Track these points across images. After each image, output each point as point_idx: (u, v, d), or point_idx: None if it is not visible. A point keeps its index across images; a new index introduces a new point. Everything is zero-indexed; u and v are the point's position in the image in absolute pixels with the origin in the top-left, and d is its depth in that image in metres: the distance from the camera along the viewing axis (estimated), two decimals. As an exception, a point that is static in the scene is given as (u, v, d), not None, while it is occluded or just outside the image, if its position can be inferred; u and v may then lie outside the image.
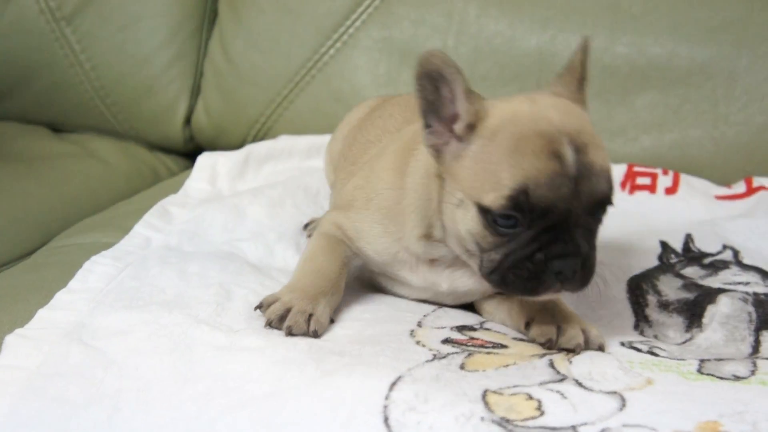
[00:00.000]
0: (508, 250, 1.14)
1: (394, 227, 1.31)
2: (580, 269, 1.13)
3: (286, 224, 1.65)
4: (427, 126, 1.18)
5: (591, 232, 1.15)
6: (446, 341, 1.20)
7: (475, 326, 1.28)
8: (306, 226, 1.66)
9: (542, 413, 0.99)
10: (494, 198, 1.11)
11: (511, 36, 2.03)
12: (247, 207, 1.68)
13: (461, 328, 1.26)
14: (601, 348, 1.20)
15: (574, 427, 0.96)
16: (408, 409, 0.99)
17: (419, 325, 1.27)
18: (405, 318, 1.29)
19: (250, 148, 2.01)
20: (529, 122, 1.13)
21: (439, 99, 1.16)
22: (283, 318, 1.20)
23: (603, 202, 1.14)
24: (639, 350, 1.22)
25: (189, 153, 2.33)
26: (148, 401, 1.01)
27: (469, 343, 1.19)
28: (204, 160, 1.96)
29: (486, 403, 1.00)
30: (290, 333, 1.18)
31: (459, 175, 1.17)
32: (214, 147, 2.21)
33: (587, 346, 1.20)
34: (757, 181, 1.81)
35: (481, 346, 1.19)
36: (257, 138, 2.22)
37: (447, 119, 1.17)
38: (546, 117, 1.14)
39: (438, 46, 2.07)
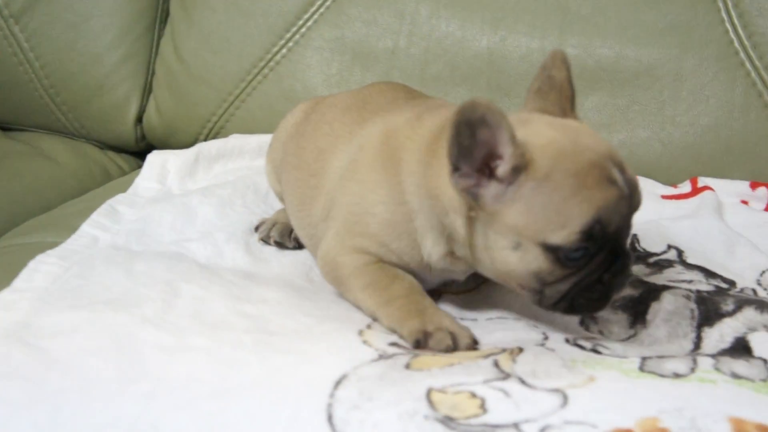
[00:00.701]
0: (578, 279, 1.18)
1: (407, 243, 1.31)
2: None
3: (235, 224, 1.64)
4: (456, 169, 1.17)
5: (628, 236, 1.23)
6: (393, 344, 1.20)
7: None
8: (257, 228, 1.65)
9: (485, 411, 1.00)
10: (566, 235, 1.14)
11: (462, 37, 2.04)
12: (197, 206, 1.67)
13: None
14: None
15: (516, 424, 0.97)
16: (352, 408, 0.99)
17: (368, 326, 1.27)
18: (355, 318, 1.30)
19: (200, 147, 2.01)
20: (577, 154, 1.16)
21: (474, 143, 1.14)
22: (421, 342, 1.21)
23: (638, 209, 1.21)
24: (583, 348, 1.23)
25: (141, 152, 2.31)
26: (91, 401, 1.01)
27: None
28: (154, 158, 1.95)
29: (430, 402, 1.01)
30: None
31: (509, 217, 1.17)
32: (166, 146, 2.21)
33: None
34: (702, 181, 1.83)
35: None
36: (209, 137, 2.21)
37: (479, 162, 1.16)
38: (585, 145, 1.17)
39: (389, 46, 2.08)
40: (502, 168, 1.16)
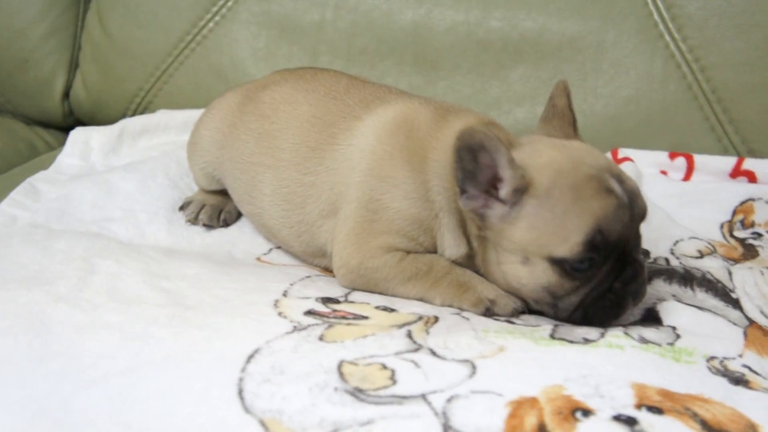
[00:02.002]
0: (588, 290, 1.22)
1: (431, 239, 1.35)
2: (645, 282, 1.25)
3: (158, 201, 1.63)
4: (463, 192, 1.23)
5: (639, 246, 1.27)
6: (309, 313, 1.21)
7: (340, 299, 1.30)
8: (182, 207, 1.65)
9: (395, 382, 1.01)
10: (569, 247, 1.19)
11: (388, 10, 2.04)
12: (119, 182, 1.66)
13: (326, 300, 1.27)
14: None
15: (423, 395, 0.99)
16: (263, 381, 1.00)
17: (284, 294, 1.28)
18: (271, 288, 1.30)
19: (124, 123, 1.99)
20: (574, 170, 1.21)
21: (477, 167, 1.21)
22: (490, 310, 1.28)
23: (645, 217, 1.26)
24: (497, 319, 1.26)
25: (69, 127, 2.26)
26: (0, 381, 1.00)
27: (330, 316, 1.21)
28: (77, 135, 1.92)
29: (341, 374, 1.02)
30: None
31: (516, 235, 1.22)
32: (94, 121, 2.19)
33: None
34: (622, 153, 1.86)
35: (343, 317, 1.20)
36: (137, 112, 2.20)
37: (484, 184, 1.23)
38: (582, 161, 1.23)
39: (316, 20, 2.07)
40: (504, 190, 1.22)
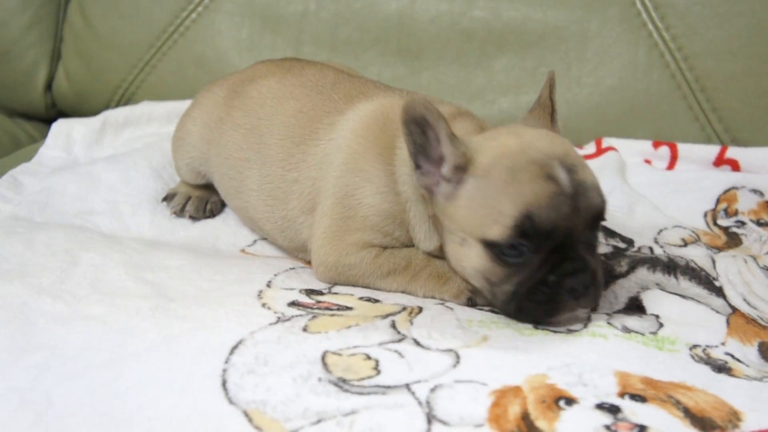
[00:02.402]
0: (521, 279, 1.17)
1: (405, 233, 1.33)
2: (592, 284, 1.17)
3: (141, 192, 1.63)
4: (418, 167, 1.21)
5: (593, 247, 1.20)
6: (293, 304, 1.21)
7: (324, 290, 1.29)
8: (165, 199, 1.64)
9: (378, 372, 1.02)
10: (499, 230, 1.14)
11: (372, 0, 2.04)
12: (101, 174, 1.65)
13: (309, 292, 1.27)
14: None
15: (407, 385, 0.99)
16: (247, 372, 1.00)
17: (268, 285, 1.28)
18: (255, 279, 1.30)
19: (107, 114, 1.98)
20: (519, 153, 1.17)
21: (427, 142, 1.19)
22: (473, 300, 1.27)
23: (599, 215, 1.19)
24: (481, 309, 1.26)
25: (52, 119, 2.25)
26: (-19, 373, 1.00)
27: (314, 307, 1.21)
28: (59, 127, 1.92)
29: (325, 364, 1.03)
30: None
31: (456, 215, 1.20)
32: (77, 113, 2.18)
33: None
34: (606, 142, 1.86)
35: (327, 308, 1.20)
36: (121, 103, 2.18)
37: (435, 160, 1.20)
38: (533, 146, 1.18)
39: (299, 10, 2.07)
40: (446, 167, 1.20)
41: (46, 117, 2.29)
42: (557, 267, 1.15)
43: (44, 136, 2.16)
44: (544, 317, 1.18)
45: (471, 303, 1.26)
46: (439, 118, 1.17)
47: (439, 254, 1.32)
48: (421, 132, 1.18)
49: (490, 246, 1.16)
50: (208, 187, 1.65)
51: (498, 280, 1.19)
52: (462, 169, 1.19)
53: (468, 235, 1.19)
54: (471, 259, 1.20)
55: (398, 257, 1.32)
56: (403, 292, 1.31)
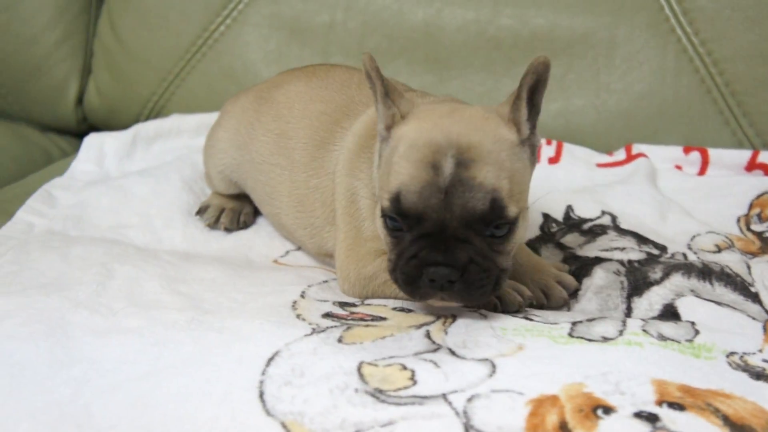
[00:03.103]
0: (398, 251, 1.17)
1: None
2: (459, 280, 1.14)
3: (173, 205, 1.64)
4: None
5: (473, 246, 1.14)
6: (327, 315, 1.21)
7: (357, 302, 1.30)
8: (198, 212, 1.65)
9: (415, 383, 1.01)
10: (384, 199, 1.16)
11: (399, 9, 2.04)
12: (133, 187, 1.67)
13: (343, 304, 1.27)
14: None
15: (444, 395, 0.99)
16: (284, 384, 1.01)
17: (302, 295, 1.28)
18: (289, 290, 1.31)
19: (137, 128, 2.00)
20: (425, 131, 1.16)
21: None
22: (498, 307, 1.26)
23: (481, 218, 1.13)
24: (515, 315, 1.25)
25: (83, 133, 2.28)
26: (21, 387, 1.01)
27: (349, 318, 1.21)
28: (90, 140, 1.94)
29: (361, 375, 1.03)
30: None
31: (376, 172, 1.22)
32: (108, 127, 2.19)
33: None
34: (636, 148, 1.85)
35: (361, 319, 1.21)
36: (150, 117, 2.20)
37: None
38: (445, 128, 1.15)
39: (327, 21, 2.08)
40: (379, 126, 1.22)
41: (77, 131, 2.32)
42: (421, 253, 1.14)
43: (76, 150, 2.19)
44: (407, 295, 1.18)
45: (497, 309, 1.26)
46: (376, 78, 1.18)
47: None
48: (373, 86, 1.21)
49: (382, 212, 1.18)
50: (240, 198, 1.66)
51: (387, 246, 1.21)
52: (389, 130, 1.21)
53: (377, 196, 1.22)
54: (376, 219, 1.22)
55: None
56: None
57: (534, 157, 1.24)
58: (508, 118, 1.20)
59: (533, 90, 1.19)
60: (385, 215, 1.17)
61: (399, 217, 1.15)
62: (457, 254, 1.13)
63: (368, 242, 1.33)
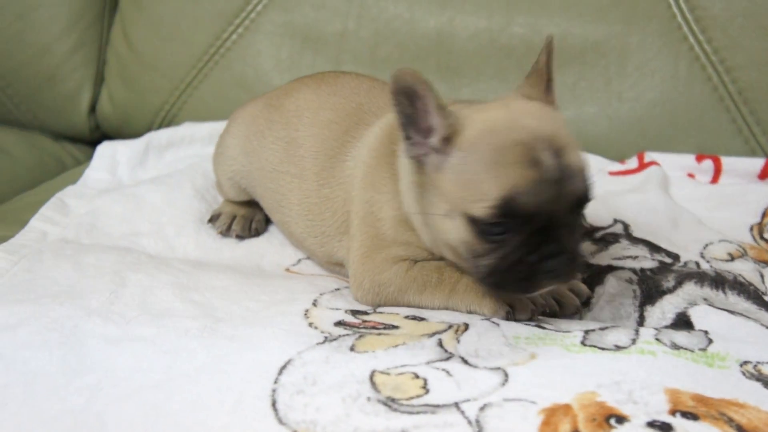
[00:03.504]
0: (502, 255, 1.18)
1: (417, 238, 1.33)
2: (569, 264, 1.18)
3: (185, 213, 1.64)
4: (407, 138, 1.21)
5: (574, 229, 1.20)
6: (339, 323, 1.21)
7: (369, 310, 1.30)
8: (210, 220, 1.65)
9: (427, 391, 1.01)
10: (481, 208, 1.15)
11: (410, 18, 2.05)
12: (146, 195, 1.67)
13: (355, 312, 1.27)
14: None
15: (456, 404, 0.99)
16: (296, 392, 1.01)
17: (314, 304, 1.28)
18: (301, 298, 1.31)
19: (150, 136, 2.01)
20: (506, 131, 1.17)
21: (415, 112, 1.19)
22: (511, 315, 1.26)
23: (584, 200, 1.19)
24: (527, 324, 1.25)
25: (96, 142, 2.28)
26: (35, 395, 1.01)
27: (361, 326, 1.21)
28: (103, 149, 1.95)
29: (373, 384, 1.03)
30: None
31: (443, 186, 1.20)
32: (120, 135, 2.20)
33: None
34: (648, 156, 1.85)
35: (373, 327, 1.21)
36: (163, 125, 2.21)
37: (424, 131, 1.20)
38: (521, 124, 1.17)
39: (339, 29, 2.08)
40: (434, 138, 1.20)
41: (90, 139, 2.33)
42: (537, 248, 1.16)
43: (89, 158, 2.20)
44: (520, 293, 1.22)
45: (509, 317, 1.26)
46: (428, 89, 1.17)
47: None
48: (410, 103, 1.18)
49: (474, 221, 1.17)
50: (252, 205, 1.66)
51: (480, 254, 1.19)
52: (449, 140, 1.19)
53: (454, 207, 1.19)
54: (456, 231, 1.20)
55: (429, 268, 1.32)
56: (445, 308, 1.31)
57: None
58: (548, 99, 1.27)
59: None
60: (482, 223, 1.16)
61: (509, 220, 1.15)
62: (571, 240, 1.18)
63: (385, 249, 1.33)
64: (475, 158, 1.16)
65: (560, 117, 1.24)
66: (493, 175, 1.14)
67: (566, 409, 0.98)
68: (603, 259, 1.46)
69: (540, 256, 1.16)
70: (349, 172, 1.40)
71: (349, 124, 1.44)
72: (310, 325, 1.20)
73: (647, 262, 1.43)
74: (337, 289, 1.39)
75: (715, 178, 1.82)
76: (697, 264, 1.45)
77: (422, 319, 1.25)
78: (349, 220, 1.38)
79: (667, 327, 1.25)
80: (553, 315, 1.29)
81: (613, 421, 0.96)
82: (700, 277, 1.35)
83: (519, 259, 1.17)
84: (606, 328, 1.24)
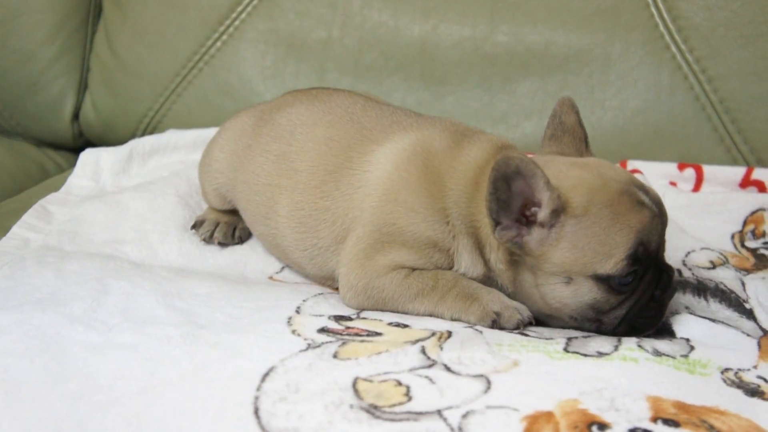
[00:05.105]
0: (634, 301, 1.24)
1: (445, 258, 1.35)
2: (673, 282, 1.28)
3: (168, 220, 1.64)
4: (497, 224, 1.24)
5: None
6: (322, 330, 1.21)
7: (352, 316, 1.30)
8: (194, 226, 1.65)
9: (410, 399, 1.01)
10: (614, 263, 1.21)
11: (395, 26, 2.05)
12: (129, 202, 1.66)
13: (338, 318, 1.27)
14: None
15: (439, 411, 0.99)
16: (279, 400, 1.01)
17: (297, 311, 1.28)
18: (284, 305, 1.30)
19: (134, 143, 2.00)
20: (605, 187, 1.23)
21: (510, 196, 1.22)
22: (496, 322, 1.27)
23: (667, 223, 1.28)
24: (510, 331, 1.25)
25: (79, 149, 2.27)
26: (16, 402, 1.01)
27: (344, 333, 1.21)
28: (87, 156, 1.94)
29: (356, 391, 1.03)
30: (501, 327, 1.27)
31: (557, 257, 1.23)
32: (104, 142, 2.20)
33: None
34: (630, 165, 1.86)
35: (356, 334, 1.21)
36: (147, 132, 2.20)
37: (516, 212, 1.23)
38: (609, 177, 1.25)
39: (323, 37, 2.08)
40: (543, 213, 1.23)
41: (73, 146, 2.32)
42: (658, 281, 1.25)
43: (72, 165, 2.19)
44: (653, 328, 1.27)
45: (496, 325, 1.26)
46: (535, 168, 1.19)
47: (482, 281, 1.33)
48: (507, 188, 1.21)
49: (604, 280, 1.22)
50: (236, 213, 1.66)
51: (610, 308, 1.24)
52: (558, 212, 1.22)
53: (576, 273, 1.23)
54: (580, 295, 1.24)
55: (426, 277, 1.33)
56: (430, 315, 1.32)
57: None
58: (588, 153, 1.39)
59: None
60: (614, 279, 1.22)
61: (639, 265, 1.22)
62: (670, 266, 1.29)
63: (390, 253, 1.34)
64: (592, 220, 1.21)
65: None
66: (618, 228, 1.20)
67: (548, 416, 0.98)
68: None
69: (663, 287, 1.25)
70: (360, 185, 1.40)
71: (350, 142, 1.45)
72: (293, 332, 1.20)
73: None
74: (320, 294, 1.39)
75: (697, 187, 1.83)
76: (679, 272, 1.45)
77: (405, 326, 1.25)
78: (351, 228, 1.39)
79: (649, 334, 1.26)
80: (540, 323, 1.30)
81: (595, 429, 0.96)
82: (682, 285, 1.36)
83: (649, 298, 1.24)
84: (589, 335, 1.25)
